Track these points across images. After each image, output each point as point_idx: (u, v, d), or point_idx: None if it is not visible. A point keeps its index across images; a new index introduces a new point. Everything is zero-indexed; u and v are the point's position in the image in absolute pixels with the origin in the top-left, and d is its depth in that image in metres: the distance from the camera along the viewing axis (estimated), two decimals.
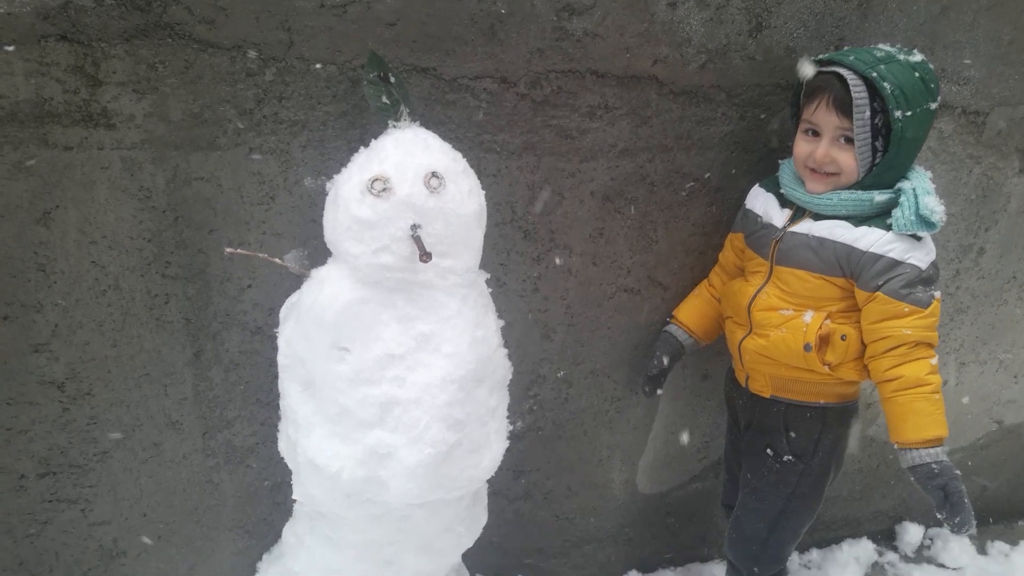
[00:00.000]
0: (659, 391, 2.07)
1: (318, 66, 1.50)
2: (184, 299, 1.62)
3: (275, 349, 1.54)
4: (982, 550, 2.75)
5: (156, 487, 1.78)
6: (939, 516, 1.63)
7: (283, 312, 1.55)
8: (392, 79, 1.44)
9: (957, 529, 1.62)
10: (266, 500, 1.89)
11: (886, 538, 2.75)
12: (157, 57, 1.41)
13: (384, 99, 1.44)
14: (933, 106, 1.61)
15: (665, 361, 2.00)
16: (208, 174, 1.53)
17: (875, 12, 1.85)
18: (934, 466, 1.60)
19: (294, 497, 1.59)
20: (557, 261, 1.87)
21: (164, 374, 1.68)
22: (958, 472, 1.61)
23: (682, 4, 1.69)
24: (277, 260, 1.53)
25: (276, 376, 1.57)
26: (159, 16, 1.39)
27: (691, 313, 2.00)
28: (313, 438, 1.49)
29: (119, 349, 1.62)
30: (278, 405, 1.60)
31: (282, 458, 1.62)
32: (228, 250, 1.50)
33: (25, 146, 1.41)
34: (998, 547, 2.77)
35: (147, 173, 1.49)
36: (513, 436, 1.89)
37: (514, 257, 1.83)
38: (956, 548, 2.71)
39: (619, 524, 2.34)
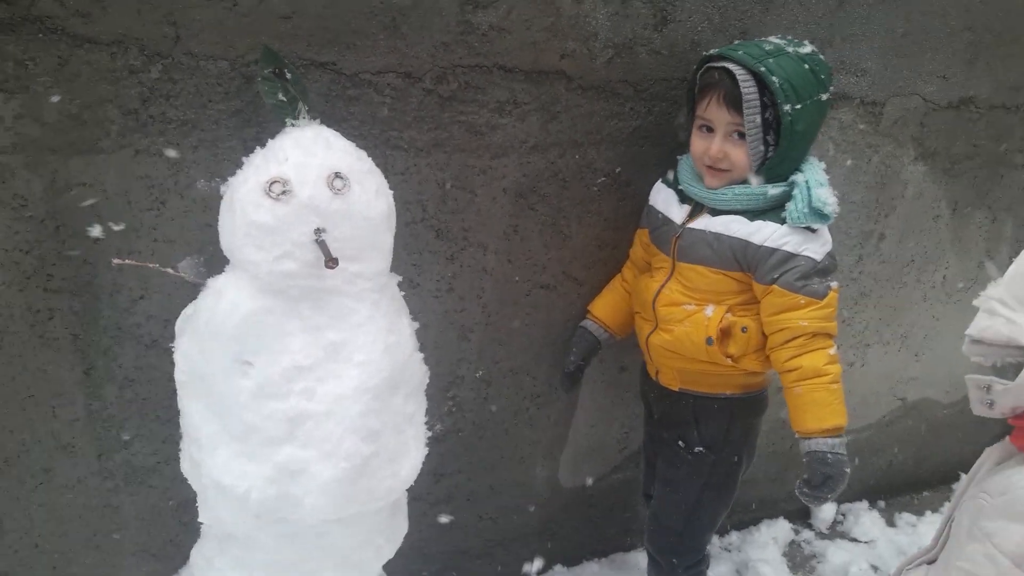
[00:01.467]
0: (577, 387, 2.07)
1: (208, 62, 1.41)
2: (70, 314, 1.51)
3: (173, 363, 1.45)
4: (891, 522, 2.88)
5: (48, 515, 1.66)
6: (798, 485, 1.66)
7: (178, 325, 1.46)
8: (288, 75, 1.37)
9: (805, 497, 1.65)
10: (171, 521, 1.79)
11: (801, 517, 2.84)
12: (26, 54, 1.30)
13: (280, 96, 1.36)
14: (825, 97, 1.63)
15: (581, 357, 1.99)
16: (91, 179, 1.42)
17: (776, 6, 1.87)
18: (829, 456, 1.63)
19: (201, 519, 1.51)
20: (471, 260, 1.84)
21: (51, 394, 1.56)
22: (847, 470, 1.63)
23: None
24: (170, 270, 1.43)
25: (175, 392, 1.48)
26: (27, 9, 1.27)
27: (606, 308, 2.00)
28: (218, 458, 1.40)
29: None
30: (179, 422, 1.50)
31: (188, 480, 1.53)
32: (116, 261, 1.40)
33: None
34: (905, 518, 2.90)
35: (21, 180, 1.37)
36: (432, 439, 1.85)
37: (427, 257, 1.79)
38: (867, 522, 2.83)
39: (543, 520, 2.33)
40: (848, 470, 1.64)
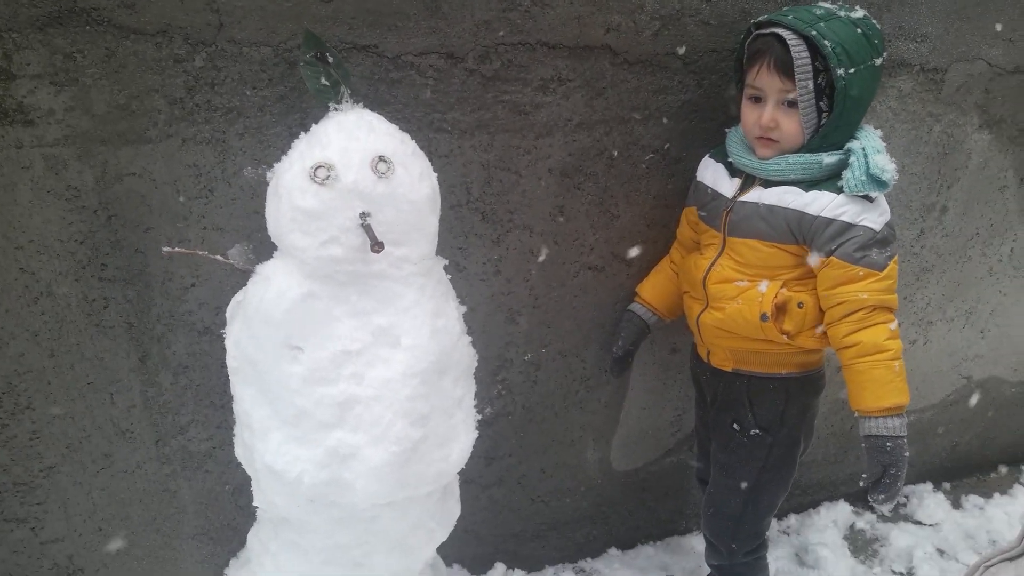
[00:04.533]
0: (626, 371, 2.04)
1: (251, 49, 1.41)
2: (124, 302, 1.53)
3: (225, 350, 1.46)
4: (957, 504, 2.78)
5: (110, 499, 1.70)
6: (862, 483, 1.63)
7: (229, 311, 1.47)
8: (331, 59, 1.36)
9: (875, 503, 1.61)
10: (228, 505, 1.82)
11: (863, 499, 2.75)
12: (75, 46, 1.31)
13: (323, 81, 1.35)
14: (879, 62, 1.57)
15: (630, 342, 1.96)
16: (140, 169, 1.44)
17: None
18: (888, 444, 1.58)
19: (255, 503, 1.53)
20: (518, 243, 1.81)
21: (109, 381, 1.59)
22: (906, 455, 1.58)
23: None
24: (219, 257, 1.44)
25: (228, 378, 1.49)
26: (74, 2, 1.28)
27: (654, 290, 1.96)
28: (270, 443, 1.42)
29: (57, 359, 1.53)
30: (232, 408, 1.52)
31: (242, 465, 1.55)
32: (166, 250, 1.41)
33: None
34: (972, 500, 2.80)
35: (73, 171, 1.40)
36: (482, 423, 1.84)
37: (472, 240, 1.77)
38: (932, 504, 2.74)
39: (595, 503, 2.31)
40: (907, 456, 1.58)
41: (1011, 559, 1.17)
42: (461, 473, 1.67)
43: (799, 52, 1.52)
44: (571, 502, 2.27)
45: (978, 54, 2.09)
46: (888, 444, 1.58)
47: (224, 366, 1.48)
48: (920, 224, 2.28)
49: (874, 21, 1.59)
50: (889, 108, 2.03)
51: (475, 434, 1.57)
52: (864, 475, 1.63)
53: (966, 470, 2.93)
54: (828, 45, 1.50)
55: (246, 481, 1.71)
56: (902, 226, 2.22)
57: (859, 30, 1.54)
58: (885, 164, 1.55)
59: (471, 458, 1.57)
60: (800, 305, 1.64)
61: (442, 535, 1.67)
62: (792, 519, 2.61)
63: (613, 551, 2.39)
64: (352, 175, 1.29)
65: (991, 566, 1.21)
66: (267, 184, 1.39)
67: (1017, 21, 2.09)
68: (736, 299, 1.69)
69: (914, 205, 2.22)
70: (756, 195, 1.66)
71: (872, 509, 2.73)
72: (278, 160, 1.38)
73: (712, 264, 1.73)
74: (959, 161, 2.23)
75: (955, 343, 2.60)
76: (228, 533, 1.85)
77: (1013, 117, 2.24)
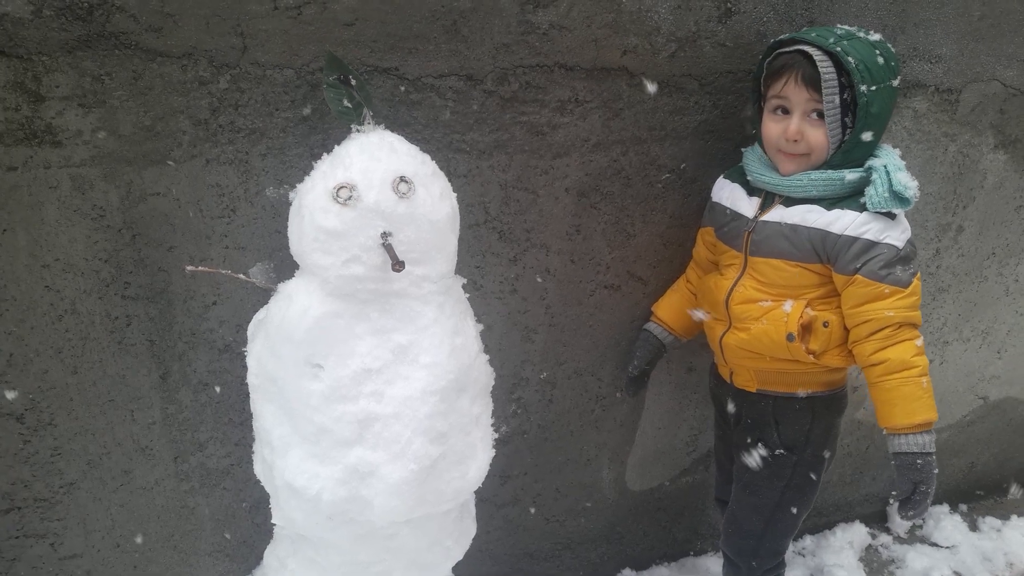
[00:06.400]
0: (642, 391, 2.04)
1: (274, 71, 1.43)
2: (146, 320, 1.55)
3: (245, 367, 1.48)
4: (974, 527, 2.76)
5: (129, 516, 1.71)
6: (892, 499, 1.62)
7: (251, 329, 1.49)
8: (353, 81, 1.38)
9: (904, 517, 1.63)
10: (245, 522, 1.83)
11: (878, 520, 2.74)
12: (103, 69, 1.34)
13: (346, 103, 1.37)
14: (895, 83, 1.59)
15: (646, 362, 1.96)
16: (164, 189, 1.46)
17: None
18: (919, 461, 1.58)
19: (274, 521, 1.53)
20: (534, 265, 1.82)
21: (130, 399, 1.61)
22: (936, 471, 1.59)
23: None
24: (241, 276, 1.46)
25: (248, 395, 1.50)
26: (102, 26, 1.31)
27: (670, 310, 1.96)
28: (290, 460, 1.43)
29: (80, 375, 1.54)
30: (251, 425, 1.53)
31: (261, 482, 1.56)
32: (189, 268, 1.43)
33: None
34: (989, 523, 2.78)
35: (99, 191, 1.42)
36: (498, 442, 1.85)
37: (490, 259, 1.78)
38: (948, 526, 2.71)
39: (610, 523, 2.30)
40: (936, 472, 1.59)
41: None
42: (477, 492, 1.67)
43: (825, 67, 1.54)
44: (585, 522, 2.26)
45: (993, 75, 2.10)
46: (919, 461, 1.58)
47: (243, 384, 1.50)
48: (936, 244, 2.28)
49: (889, 45, 1.61)
50: (905, 128, 2.04)
51: (492, 452, 1.57)
52: (894, 492, 1.63)
53: (983, 492, 2.90)
54: (852, 62, 1.52)
55: (263, 499, 1.72)
56: (918, 246, 2.22)
57: (877, 51, 1.57)
58: (907, 181, 1.56)
59: (487, 477, 1.57)
60: (825, 324, 1.64)
61: (459, 553, 1.67)
62: (808, 540, 2.60)
63: (627, 572, 2.38)
64: (374, 195, 1.30)
65: None
66: (289, 204, 1.41)
67: None
68: (761, 319, 1.69)
69: (930, 225, 2.23)
70: (778, 214, 1.66)
71: (888, 531, 2.71)
72: (300, 180, 1.40)
73: (734, 285, 1.73)
74: (975, 181, 2.23)
75: (971, 363, 2.59)
76: (245, 550, 1.85)
77: None
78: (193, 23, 1.36)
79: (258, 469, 1.54)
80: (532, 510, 2.16)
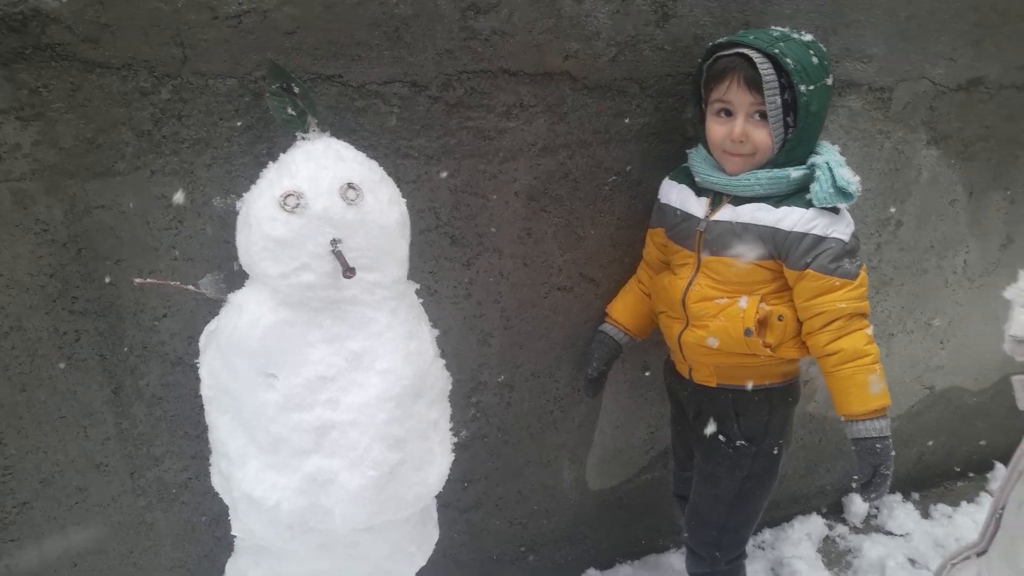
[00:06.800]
0: (600, 391, 2.07)
1: (217, 81, 1.44)
2: (96, 334, 1.54)
3: (198, 379, 1.47)
4: (926, 514, 2.83)
5: (85, 534, 1.68)
6: (854, 484, 1.68)
7: (202, 340, 1.48)
8: (296, 89, 1.39)
9: (866, 499, 1.71)
10: (206, 536, 1.81)
11: (834, 512, 2.81)
12: (39, 81, 1.33)
13: (289, 110, 1.38)
14: (829, 82, 1.65)
15: (603, 363, 1.99)
16: (109, 201, 1.45)
17: None
18: (877, 445, 1.64)
19: (234, 532, 1.52)
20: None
21: (82, 415, 1.59)
22: (893, 454, 1.66)
23: None
24: (191, 287, 1.46)
25: (202, 407, 1.49)
26: (37, 37, 1.30)
27: (624, 311, 2.00)
28: (247, 471, 1.42)
29: (29, 393, 1.52)
30: (207, 437, 1.52)
31: (219, 494, 1.55)
32: (136, 281, 1.42)
33: None
34: (941, 510, 2.86)
35: (42, 205, 1.41)
36: (458, 446, 1.85)
37: (443, 264, 1.80)
38: (901, 515, 2.79)
39: (573, 523, 2.32)
40: (894, 455, 1.65)
41: (977, 555, 1.21)
42: (439, 497, 1.68)
43: (766, 69, 1.59)
44: (548, 523, 2.28)
45: (922, 73, 2.18)
46: (878, 445, 1.64)
47: (198, 396, 1.49)
48: (877, 239, 2.35)
49: (820, 44, 1.67)
50: (841, 127, 2.11)
51: (452, 456, 1.58)
52: (855, 476, 1.69)
53: (933, 480, 2.98)
54: (790, 63, 1.57)
55: (223, 512, 1.70)
56: (860, 240, 2.28)
57: (811, 51, 1.63)
58: (850, 177, 1.63)
59: (448, 482, 1.58)
60: (780, 318, 1.70)
61: (422, 559, 1.67)
62: (767, 534, 2.64)
63: (591, 572, 2.40)
64: (322, 202, 1.31)
65: (956, 563, 1.25)
66: (237, 214, 1.41)
67: (957, 41, 2.19)
68: (718, 316, 1.73)
69: (869, 220, 2.30)
70: (729, 213, 1.71)
71: (844, 521, 2.77)
72: (247, 190, 1.40)
73: (690, 283, 1.77)
74: (910, 176, 2.31)
75: (916, 354, 2.67)
76: (206, 564, 1.83)
77: (959, 133, 2.34)
78: (131, 34, 1.36)
79: (216, 481, 1.53)
80: (495, 513, 2.17)
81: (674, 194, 1.83)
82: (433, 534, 1.71)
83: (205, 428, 1.51)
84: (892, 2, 2.04)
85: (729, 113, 1.68)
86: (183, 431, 1.69)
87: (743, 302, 1.71)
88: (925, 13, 2.10)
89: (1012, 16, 2.25)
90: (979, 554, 1.21)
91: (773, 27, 1.74)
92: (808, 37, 1.67)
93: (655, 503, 2.42)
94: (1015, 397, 1.07)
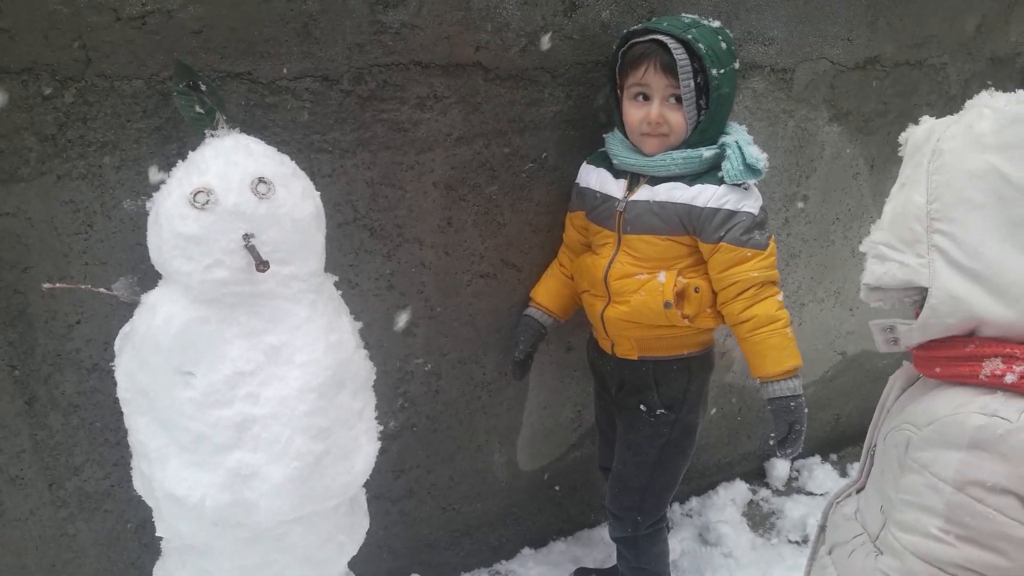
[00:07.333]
0: (527, 373, 2.12)
1: (122, 83, 1.42)
2: (6, 345, 1.50)
3: (116, 385, 1.45)
4: (844, 474, 2.98)
5: (3, 550, 1.65)
6: (772, 441, 1.79)
7: (117, 344, 1.46)
8: (203, 87, 1.38)
9: (783, 455, 1.80)
10: (132, 543, 1.79)
11: (757, 476, 2.93)
12: None
13: (197, 108, 1.38)
14: (736, 66, 1.74)
15: (530, 345, 2.04)
16: (14, 208, 1.42)
17: None
18: (791, 403, 1.75)
19: (159, 534, 1.51)
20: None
21: None
22: (806, 411, 1.76)
23: None
24: (102, 290, 1.44)
25: (122, 413, 1.48)
26: None
27: (548, 294, 2.05)
28: (169, 470, 1.41)
29: None
30: (128, 442, 1.51)
31: (142, 497, 1.54)
32: (46, 286, 1.40)
33: None
34: (856, 469, 2.99)
35: None
36: (387, 436, 1.88)
37: (363, 256, 1.81)
38: (821, 475, 2.92)
39: (506, 505, 2.37)
40: (807, 412, 1.76)
41: (857, 491, 1.30)
42: (370, 489, 1.70)
43: (680, 54, 1.67)
44: (482, 507, 2.32)
45: (821, 54, 2.28)
46: (791, 403, 1.75)
47: (117, 402, 1.47)
48: (784, 213, 2.45)
49: (727, 30, 1.75)
50: (746, 108, 2.19)
51: (378, 444, 1.60)
52: (772, 434, 1.79)
53: (850, 441, 3.14)
54: (702, 48, 1.65)
55: (148, 517, 1.68)
56: (769, 216, 2.37)
57: (719, 37, 1.71)
58: (758, 154, 1.72)
59: (380, 473, 1.61)
60: (696, 290, 1.78)
61: (352, 548, 1.69)
62: (694, 502, 2.75)
63: (526, 551, 2.46)
64: (232, 198, 1.31)
65: (840, 501, 1.34)
66: (148, 215, 1.40)
67: (853, 22, 2.30)
68: (639, 291, 1.80)
69: (777, 196, 2.40)
70: (646, 193, 1.78)
71: (767, 485, 2.89)
72: (157, 190, 1.39)
73: (611, 262, 1.84)
74: (814, 152, 2.42)
75: (828, 322, 2.80)
76: (133, 572, 1.81)
77: (858, 110, 2.45)
78: (30, 37, 1.33)
79: (137, 484, 1.52)
80: (428, 500, 2.20)
81: (593, 177, 1.89)
82: (363, 523, 1.72)
83: (126, 434, 1.49)
84: None
85: (646, 97, 1.74)
86: (103, 438, 1.66)
87: (662, 277, 1.78)
88: None
89: None
90: (858, 491, 1.30)
91: (684, 14, 1.81)
92: (716, 24, 1.75)
93: (585, 479, 2.48)
94: (875, 340, 1.16)
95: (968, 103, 1.07)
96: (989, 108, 1.02)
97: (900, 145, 1.15)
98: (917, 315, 1.06)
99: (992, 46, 2.70)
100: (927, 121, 1.11)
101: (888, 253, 1.08)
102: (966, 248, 1.00)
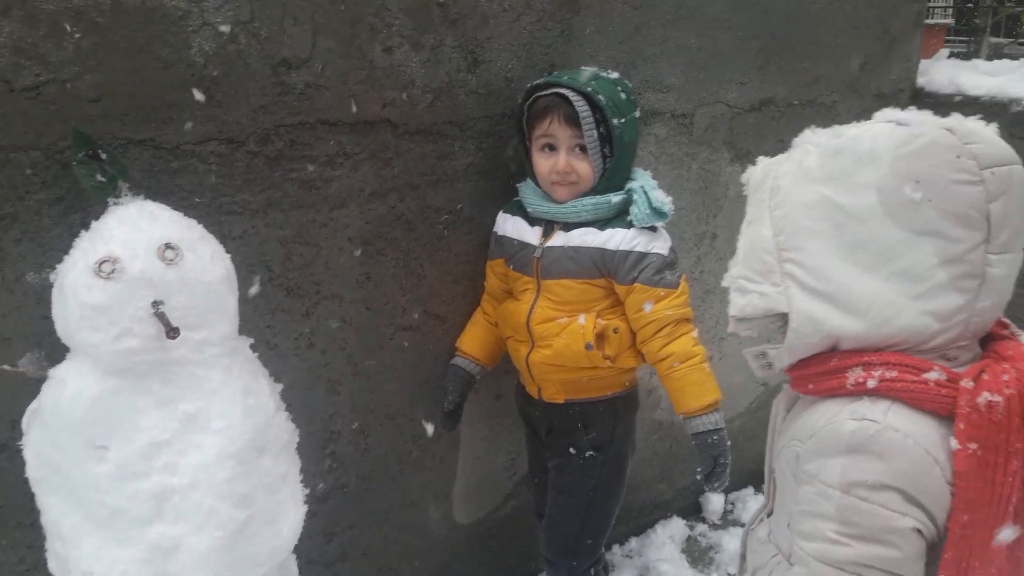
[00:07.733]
0: (458, 424, 2.11)
1: (19, 154, 1.40)
2: None
3: (25, 464, 1.40)
4: None
5: None
6: (699, 476, 1.83)
7: (25, 421, 1.41)
8: (104, 155, 1.37)
9: (710, 489, 1.84)
10: None
11: (694, 512, 2.96)
12: None
13: (99, 177, 1.37)
14: (637, 114, 1.83)
15: (459, 395, 2.05)
16: None
17: (577, 37, 2.03)
18: (714, 437, 1.79)
19: None
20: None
21: None
22: (729, 443, 1.81)
23: (398, 48, 1.75)
24: (7, 367, 1.39)
25: (33, 493, 1.42)
26: None
27: (473, 342, 2.07)
28: (85, 548, 1.36)
29: None
30: (41, 523, 1.44)
31: None
32: None
33: None
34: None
35: None
36: (316, 498, 1.84)
37: (280, 316, 1.80)
38: (754, 506, 2.96)
39: (444, 560, 2.33)
40: (729, 444, 1.80)
41: (768, 515, 1.34)
42: (301, 554, 1.66)
43: (581, 106, 1.74)
44: (420, 564, 2.28)
45: (718, 98, 2.40)
46: (714, 437, 1.79)
47: (27, 482, 1.41)
48: (696, 252, 2.54)
49: (626, 80, 1.84)
50: (650, 153, 2.28)
51: (305, 508, 1.57)
52: (699, 469, 1.82)
53: None
54: (603, 99, 1.73)
55: None
56: (681, 254, 2.44)
57: (619, 87, 1.80)
58: (663, 198, 1.80)
59: (310, 537, 1.57)
60: (615, 330, 1.83)
61: None
62: (633, 542, 2.76)
63: None
64: (139, 265, 1.29)
65: (753, 527, 1.38)
66: (52, 287, 1.37)
67: (745, 67, 2.43)
68: (560, 335, 1.84)
69: (687, 235, 2.48)
70: (561, 239, 1.84)
71: (704, 520, 2.93)
72: (61, 262, 1.37)
73: (532, 307, 1.88)
74: (719, 192, 2.52)
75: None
76: None
77: (757, 148, 2.56)
78: None
79: (52, 566, 1.45)
80: (363, 562, 2.15)
81: (509, 225, 1.94)
82: None
83: (39, 514, 1.43)
84: (683, 36, 2.24)
85: (553, 148, 1.81)
86: (15, 521, 1.59)
87: (581, 319, 1.83)
88: (713, 44, 2.32)
89: (790, 42, 2.53)
90: (769, 514, 1.34)
91: (583, 67, 1.89)
92: (615, 75, 1.84)
93: (523, 530, 2.47)
94: (751, 366, 1.22)
95: (795, 140, 1.17)
96: (812, 144, 1.12)
97: (744, 185, 1.23)
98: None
99: (877, 83, 2.88)
100: (763, 161, 1.21)
101: (747, 285, 1.16)
102: (815, 272, 1.08)
